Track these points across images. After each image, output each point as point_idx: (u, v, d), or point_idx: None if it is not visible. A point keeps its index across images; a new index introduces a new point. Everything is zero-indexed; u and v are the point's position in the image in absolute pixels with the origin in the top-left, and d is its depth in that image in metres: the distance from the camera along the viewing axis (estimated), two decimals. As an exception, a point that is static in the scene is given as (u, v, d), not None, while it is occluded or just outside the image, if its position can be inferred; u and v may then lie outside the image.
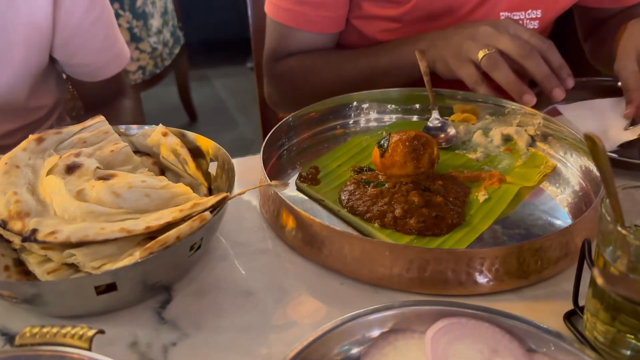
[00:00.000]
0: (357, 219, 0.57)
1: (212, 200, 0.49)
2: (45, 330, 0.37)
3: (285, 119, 0.68)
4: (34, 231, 0.46)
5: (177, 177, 0.60)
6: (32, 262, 0.47)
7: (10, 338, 0.46)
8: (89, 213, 0.49)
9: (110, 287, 0.44)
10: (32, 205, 0.49)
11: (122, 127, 0.63)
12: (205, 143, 0.61)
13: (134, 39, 2.00)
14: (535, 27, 0.85)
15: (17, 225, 0.47)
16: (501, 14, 0.83)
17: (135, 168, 0.58)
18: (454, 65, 0.72)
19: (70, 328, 0.37)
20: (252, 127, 2.62)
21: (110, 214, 0.49)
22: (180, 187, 0.53)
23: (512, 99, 0.70)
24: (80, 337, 0.37)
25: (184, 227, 0.46)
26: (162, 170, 0.60)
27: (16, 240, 0.48)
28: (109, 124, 0.62)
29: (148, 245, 0.44)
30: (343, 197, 0.60)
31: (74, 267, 0.46)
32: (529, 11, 0.83)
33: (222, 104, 3.04)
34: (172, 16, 2.25)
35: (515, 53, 0.68)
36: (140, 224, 0.47)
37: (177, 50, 2.30)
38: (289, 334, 0.47)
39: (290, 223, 0.55)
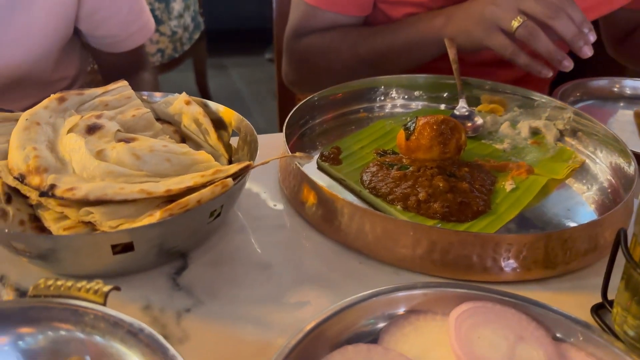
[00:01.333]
0: (379, 200, 0.55)
1: (235, 167, 0.48)
2: (59, 282, 0.36)
3: (310, 97, 0.66)
4: (52, 186, 0.45)
5: (197, 147, 0.59)
6: (48, 219, 0.46)
7: (22, 294, 0.45)
8: (108, 173, 0.48)
9: (127, 248, 0.43)
10: (51, 162, 0.48)
11: (145, 94, 0.63)
12: (228, 114, 0.60)
13: (154, 21, 1.99)
14: None
15: (35, 180, 0.46)
16: None
17: (156, 134, 0.57)
18: (480, 35, 0.69)
19: (86, 283, 0.36)
20: (267, 118, 2.61)
21: (130, 175, 0.48)
22: (202, 155, 0.52)
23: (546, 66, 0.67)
24: (96, 292, 0.36)
25: (205, 192, 0.45)
26: (183, 138, 0.59)
27: (33, 196, 0.47)
28: (130, 91, 0.61)
29: (168, 206, 0.43)
30: (365, 178, 0.58)
31: (90, 225, 0.45)
32: None
33: (237, 94, 3.04)
34: (193, 1, 2.24)
35: (542, 15, 0.65)
36: (160, 186, 0.46)
37: (196, 36, 2.29)
38: (304, 310, 0.45)
39: (311, 199, 0.53)
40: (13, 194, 0.48)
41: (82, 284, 0.36)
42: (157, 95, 0.63)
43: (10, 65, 0.81)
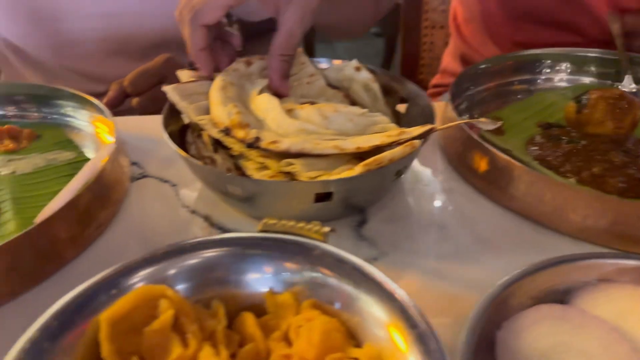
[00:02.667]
0: (551, 172, 0.55)
1: (419, 130, 0.50)
2: (282, 222, 0.41)
3: (472, 66, 0.67)
4: (257, 139, 0.50)
5: (366, 112, 0.62)
6: (250, 168, 0.51)
7: (226, 232, 0.51)
8: (301, 130, 0.52)
9: (325, 197, 0.47)
10: (250, 118, 0.53)
11: (316, 61, 0.66)
12: (399, 82, 0.62)
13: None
14: None
15: (240, 133, 0.51)
16: None
17: (329, 100, 0.61)
18: None
19: (304, 224, 0.41)
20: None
21: (320, 133, 0.52)
22: (379, 116, 0.55)
23: None
24: (316, 232, 0.40)
25: (397, 151, 0.47)
26: (353, 103, 0.62)
27: (236, 147, 0.52)
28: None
29: (366, 162, 0.46)
30: (532, 149, 0.58)
31: (289, 175, 0.50)
32: None
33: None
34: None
35: None
36: (350, 143, 0.50)
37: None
38: (484, 269, 0.47)
39: (482, 166, 0.55)
40: (217, 145, 0.54)
41: (301, 224, 0.41)
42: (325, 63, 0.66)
43: (158, 28, 0.88)
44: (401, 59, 1.45)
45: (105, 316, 0.34)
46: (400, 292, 0.35)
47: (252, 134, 0.51)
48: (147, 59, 0.93)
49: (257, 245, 0.39)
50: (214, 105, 0.55)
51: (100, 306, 0.35)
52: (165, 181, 0.58)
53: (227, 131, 0.52)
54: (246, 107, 0.56)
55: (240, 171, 0.52)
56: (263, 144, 0.50)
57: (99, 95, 0.90)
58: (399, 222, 0.52)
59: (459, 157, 0.58)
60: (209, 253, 0.39)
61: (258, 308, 0.38)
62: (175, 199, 0.55)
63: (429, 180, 0.58)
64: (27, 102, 0.67)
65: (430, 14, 1.40)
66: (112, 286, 0.36)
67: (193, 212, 0.54)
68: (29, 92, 0.67)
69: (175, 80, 0.74)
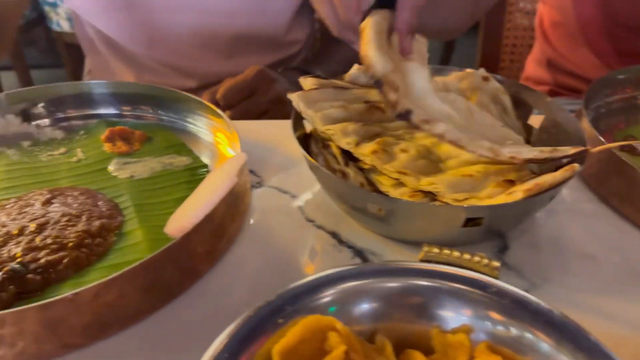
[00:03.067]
0: None
1: (572, 150, 0.46)
2: (445, 251, 0.38)
3: (611, 73, 0.62)
4: (409, 112, 0.45)
5: (493, 125, 0.58)
6: (385, 184, 0.48)
7: (357, 251, 0.48)
8: (447, 117, 0.48)
9: (471, 222, 0.44)
10: (400, 83, 0.47)
11: (437, 67, 0.63)
12: (533, 95, 0.58)
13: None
14: None
15: (391, 95, 0.46)
16: None
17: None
18: None
19: (470, 255, 0.37)
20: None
21: (464, 126, 0.48)
22: (514, 134, 0.51)
23: None
24: (486, 266, 0.37)
25: (557, 175, 0.44)
26: (481, 114, 0.59)
27: (367, 160, 0.49)
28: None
29: (528, 187, 0.43)
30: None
31: (429, 195, 0.47)
32: None
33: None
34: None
35: None
36: (506, 151, 0.46)
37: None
38: (643, 307, 0.43)
39: (633, 191, 0.50)
40: (347, 158, 0.51)
41: (466, 255, 0.38)
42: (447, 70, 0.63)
43: (245, 25, 0.86)
44: (480, 60, 1.39)
45: (278, 349, 0.32)
46: (594, 339, 0.32)
47: (405, 104, 0.46)
48: (234, 55, 0.92)
49: (425, 276, 0.36)
50: (370, 44, 0.48)
51: (266, 335, 0.33)
52: (285, 192, 0.56)
53: (379, 84, 0.46)
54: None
55: (372, 186, 0.50)
56: (415, 119, 0.45)
57: (189, 92, 0.90)
58: (544, 250, 0.48)
59: (600, 179, 0.54)
60: (371, 281, 0.36)
61: (422, 345, 0.36)
62: (297, 212, 0.53)
63: (566, 202, 0.54)
64: (143, 102, 0.66)
65: (514, 15, 1.34)
66: (277, 314, 0.34)
67: (319, 227, 0.51)
68: (146, 92, 0.66)
69: (266, 93, 0.73)
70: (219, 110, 0.59)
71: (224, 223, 0.47)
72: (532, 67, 1.12)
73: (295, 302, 0.34)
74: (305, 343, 0.33)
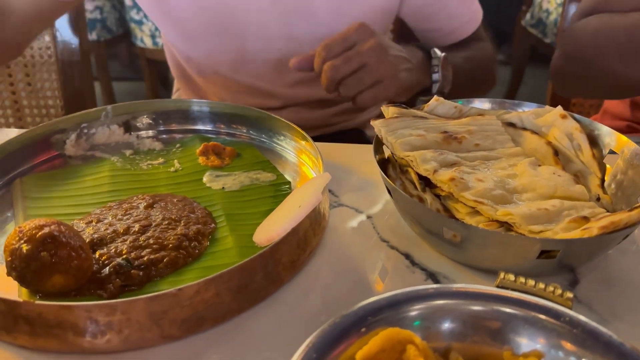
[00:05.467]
0: None
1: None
2: (521, 279, 0.40)
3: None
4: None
5: (567, 162, 0.59)
6: (462, 212, 0.51)
7: (429, 274, 0.51)
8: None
9: (546, 254, 0.46)
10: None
11: (516, 103, 0.65)
12: (609, 134, 0.59)
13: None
14: None
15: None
16: None
17: (532, 147, 0.59)
18: None
19: (544, 285, 0.39)
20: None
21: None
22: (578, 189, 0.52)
23: None
24: (560, 296, 0.39)
25: (634, 214, 0.45)
26: (555, 151, 0.60)
27: (444, 187, 0.52)
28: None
29: (603, 224, 0.44)
30: None
31: (504, 225, 0.49)
32: None
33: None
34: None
35: None
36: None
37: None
38: None
39: None
40: (424, 184, 0.54)
41: (540, 285, 0.39)
42: (525, 106, 0.65)
43: None
44: (550, 94, 1.39)
45: (360, 355, 0.35)
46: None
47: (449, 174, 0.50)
48: (317, 80, 0.97)
49: (503, 302, 0.38)
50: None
51: (350, 341, 0.36)
52: (361, 212, 0.59)
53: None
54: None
55: (448, 213, 0.52)
56: (437, 176, 0.49)
57: (274, 110, 0.95)
58: (616, 287, 0.49)
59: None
60: (454, 302, 0.38)
61: (494, 366, 0.38)
62: (372, 232, 0.56)
63: (636, 240, 0.55)
64: (235, 121, 0.72)
65: (588, 51, 1.33)
66: (361, 323, 0.37)
67: (392, 247, 0.54)
68: (238, 112, 0.72)
69: (366, 41, 0.70)
70: (304, 133, 0.64)
71: (307, 236, 0.51)
72: (613, 102, 1.10)
73: (376, 313, 0.37)
74: (384, 352, 0.36)
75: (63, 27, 1.18)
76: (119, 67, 3.13)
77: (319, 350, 0.35)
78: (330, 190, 0.62)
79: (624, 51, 0.70)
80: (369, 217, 0.58)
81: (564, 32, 0.76)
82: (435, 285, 0.39)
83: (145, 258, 0.50)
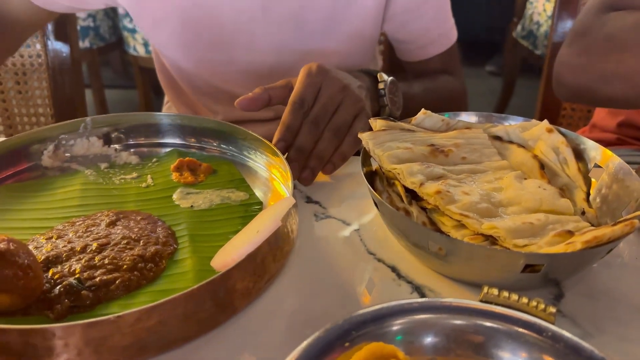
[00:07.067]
0: None
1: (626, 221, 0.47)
2: (504, 294, 0.40)
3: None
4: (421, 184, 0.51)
5: (553, 175, 0.60)
6: (447, 225, 0.51)
7: (415, 287, 0.51)
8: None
9: (530, 268, 0.46)
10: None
11: (502, 116, 0.65)
12: (595, 149, 0.60)
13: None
14: None
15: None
16: None
17: (519, 161, 0.60)
18: None
19: (527, 300, 0.39)
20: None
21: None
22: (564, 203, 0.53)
23: None
24: (542, 310, 0.39)
25: (616, 230, 0.45)
26: (542, 165, 0.61)
27: (430, 200, 0.52)
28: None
29: (586, 239, 0.44)
30: None
31: (489, 239, 0.49)
32: None
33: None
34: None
35: None
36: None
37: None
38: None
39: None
40: (410, 197, 0.55)
41: (523, 299, 0.40)
42: (512, 120, 0.65)
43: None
44: (540, 107, 1.40)
45: (344, 370, 0.35)
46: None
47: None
48: None
49: (487, 316, 0.38)
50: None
51: (333, 355, 0.36)
52: (348, 224, 0.59)
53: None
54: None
55: (434, 226, 0.52)
56: (423, 189, 0.49)
57: (265, 121, 0.95)
58: (600, 301, 0.49)
59: (660, 236, 0.54)
60: (437, 316, 0.38)
61: (478, 381, 0.38)
62: (359, 244, 0.56)
63: (623, 255, 0.55)
64: (209, 136, 0.72)
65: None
66: (344, 338, 0.37)
67: (379, 260, 0.54)
68: (211, 127, 0.71)
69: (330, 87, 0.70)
70: (275, 148, 0.62)
71: (266, 262, 0.49)
72: (601, 115, 1.10)
73: (360, 327, 0.37)
74: (368, 367, 0.36)
75: (54, 34, 1.18)
76: (112, 74, 3.13)
77: (302, 363, 0.35)
78: (317, 202, 0.63)
79: None
80: (356, 229, 0.59)
81: (583, 22, 0.71)
82: (419, 300, 0.39)
83: (97, 279, 0.49)
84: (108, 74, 3.02)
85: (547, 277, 0.48)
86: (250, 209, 0.61)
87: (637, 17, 0.67)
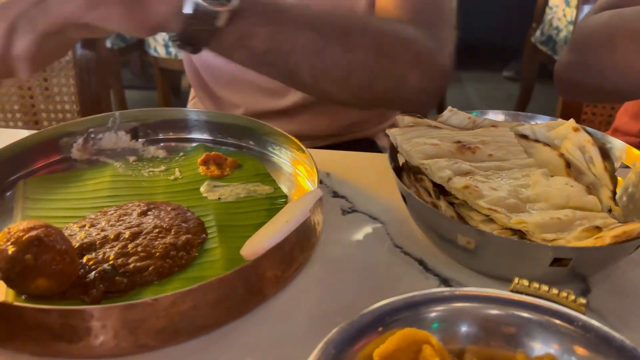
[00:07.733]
0: None
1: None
2: (535, 285, 0.41)
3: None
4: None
5: (579, 174, 0.60)
6: (475, 219, 0.52)
7: (442, 280, 0.52)
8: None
9: (558, 261, 0.46)
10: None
11: (528, 115, 0.66)
12: (621, 148, 0.60)
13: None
14: None
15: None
16: None
17: (543, 158, 0.60)
18: None
19: (558, 291, 0.40)
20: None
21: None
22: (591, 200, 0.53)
23: None
24: (573, 301, 0.39)
25: (647, 224, 0.46)
26: (568, 163, 0.61)
27: (458, 195, 0.53)
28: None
29: (616, 234, 0.45)
30: None
31: (518, 233, 0.50)
32: None
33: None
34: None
35: None
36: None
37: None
38: None
39: None
40: (438, 192, 0.55)
41: (554, 290, 0.40)
42: (539, 119, 0.66)
43: None
44: (560, 110, 1.40)
45: (378, 352, 0.36)
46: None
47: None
48: None
49: (519, 306, 0.39)
50: None
51: (367, 339, 0.37)
52: (375, 218, 0.60)
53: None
54: None
55: (462, 220, 0.53)
56: (452, 183, 0.50)
57: (282, 111, 0.96)
58: (628, 297, 0.50)
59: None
60: (465, 304, 0.39)
61: (507, 369, 0.38)
62: (386, 238, 0.57)
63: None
64: (234, 131, 0.73)
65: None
66: (379, 323, 0.38)
67: (406, 253, 0.55)
68: (235, 122, 0.73)
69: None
70: (301, 145, 0.64)
71: (294, 252, 0.51)
72: (624, 120, 1.10)
73: (394, 314, 0.38)
74: (401, 351, 0.37)
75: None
76: (130, 75, 3.17)
77: (337, 346, 0.36)
78: (344, 197, 0.64)
79: (637, 36, 0.66)
80: (382, 223, 0.59)
81: (578, 24, 0.76)
82: (450, 289, 0.40)
83: (131, 265, 0.50)
84: (127, 75, 3.06)
85: (574, 271, 0.48)
86: (276, 202, 0.62)
87: (611, 14, 0.70)
